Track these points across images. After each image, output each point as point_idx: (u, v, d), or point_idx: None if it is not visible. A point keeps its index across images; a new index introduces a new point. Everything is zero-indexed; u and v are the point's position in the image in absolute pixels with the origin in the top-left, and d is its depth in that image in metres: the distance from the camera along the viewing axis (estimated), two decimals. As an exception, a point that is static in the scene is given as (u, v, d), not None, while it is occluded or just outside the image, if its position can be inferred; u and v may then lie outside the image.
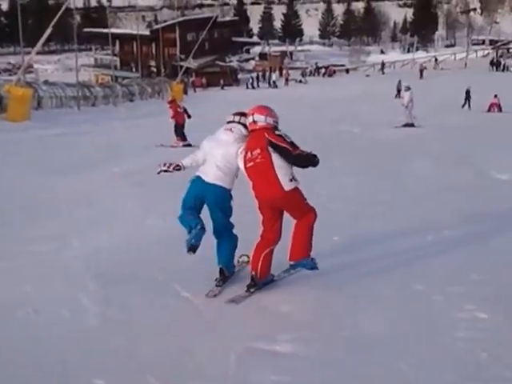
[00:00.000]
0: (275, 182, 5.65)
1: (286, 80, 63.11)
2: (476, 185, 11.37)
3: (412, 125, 23.27)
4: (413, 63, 71.83)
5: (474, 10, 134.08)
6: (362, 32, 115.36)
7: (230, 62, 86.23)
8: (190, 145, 19.25)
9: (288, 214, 5.90)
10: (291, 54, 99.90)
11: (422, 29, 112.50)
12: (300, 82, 63.60)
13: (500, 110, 30.02)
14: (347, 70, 79.92)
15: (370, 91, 43.30)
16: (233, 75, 71.84)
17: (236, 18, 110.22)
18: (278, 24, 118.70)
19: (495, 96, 30.54)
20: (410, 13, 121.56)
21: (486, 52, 76.30)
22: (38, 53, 38.53)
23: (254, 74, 65.26)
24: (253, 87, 59.46)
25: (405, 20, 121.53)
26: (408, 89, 24.38)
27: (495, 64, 60.67)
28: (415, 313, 5.33)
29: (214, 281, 6.11)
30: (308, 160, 5.78)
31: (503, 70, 58.24)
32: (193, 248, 5.87)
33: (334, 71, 74.71)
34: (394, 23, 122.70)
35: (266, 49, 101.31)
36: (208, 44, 78.89)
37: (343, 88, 48.94)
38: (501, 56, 63.36)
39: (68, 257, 7.29)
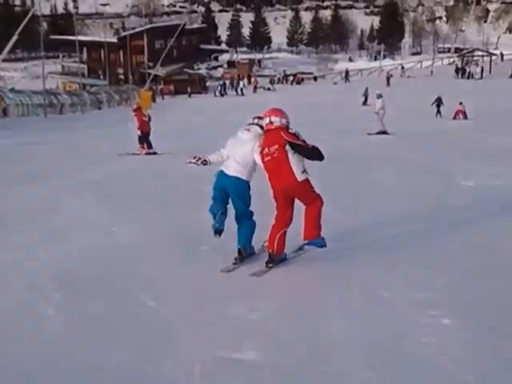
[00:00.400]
0: (290, 174, 6.56)
1: (255, 88, 63.18)
2: (442, 192, 11.47)
3: (385, 132, 23.43)
4: (380, 71, 72.44)
5: (440, 18, 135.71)
6: (330, 40, 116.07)
7: (199, 69, 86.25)
8: (155, 153, 19.21)
9: (299, 201, 6.82)
10: (259, 61, 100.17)
11: (388, 37, 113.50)
12: (268, 89, 63.70)
13: (465, 117, 30.38)
14: (315, 78, 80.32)
15: (337, 98, 43.59)
16: (201, 83, 71.78)
17: (204, 25, 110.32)
18: (246, 31, 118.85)
19: (460, 103, 30.90)
20: (376, 21, 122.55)
21: (452, 60, 77.18)
22: (4, 60, 38.21)
23: (222, 82, 65.14)
24: (221, 95, 59.42)
25: (372, 28, 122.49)
26: (380, 96, 24.54)
27: (460, 71, 61.38)
28: (380, 319, 5.37)
29: (233, 259, 6.91)
30: (316, 153, 6.77)
31: (468, 78, 58.94)
32: (218, 231, 6.88)
33: (302, 79, 75.05)
34: (361, 31, 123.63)
35: (235, 56, 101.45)
36: (176, 51, 78.87)
37: (311, 95, 49.21)
38: (466, 64, 64.06)
39: (32, 267, 7.19)
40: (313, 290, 6.20)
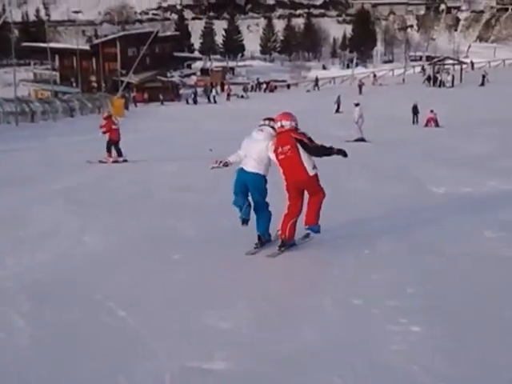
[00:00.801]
0: (302, 169, 7.52)
1: (228, 95, 63.20)
2: (414, 198, 11.55)
3: (363, 139, 23.55)
4: (352, 79, 72.82)
5: (411, 26, 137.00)
6: (303, 48, 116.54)
7: (172, 77, 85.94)
8: (125, 160, 19.12)
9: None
10: (233, 69, 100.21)
11: (360, 45, 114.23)
12: (242, 97, 63.74)
13: (437, 124, 30.69)
14: (288, 86, 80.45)
15: (310, 106, 43.74)
16: (174, 90, 71.55)
17: (177, 33, 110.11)
18: (219, 39, 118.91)
19: (431, 111, 31.20)
20: (349, 29, 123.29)
21: (423, 68, 77.83)
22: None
23: (194, 90, 64.94)
24: (194, 102, 59.25)
25: (344, 36, 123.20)
26: (357, 105, 24.71)
27: (432, 80, 61.91)
28: (352, 327, 5.37)
29: (254, 244, 7.76)
30: (322, 150, 7.62)
31: (440, 86, 59.49)
32: (245, 221, 7.82)
33: (276, 86, 75.20)
34: (334, 39, 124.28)
35: (208, 64, 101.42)
36: (149, 59, 78.60)
37: (284, 103, 49.23)
38: (437, 72, 64.58)
39: (2, 276, 7.11)
40: (285, 298, 6.19)
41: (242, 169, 7.86)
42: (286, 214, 7.75)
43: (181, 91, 73.17)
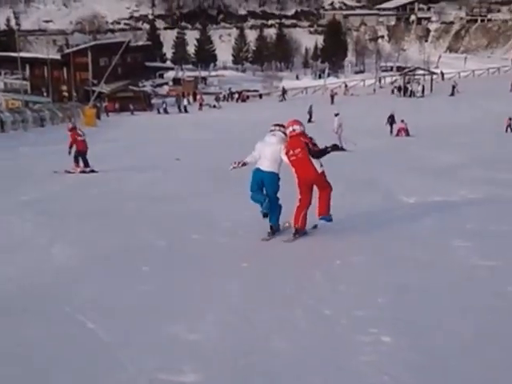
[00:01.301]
0: (312, 168, 8.75)
1: (200, 105, 63.12)
2: (384, 208, 11.59)
3: (342, 149, 23.54)
4: (324, 89, 73.17)
5: (382, 37, 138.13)
6: (275, 58, 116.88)
7: (144, 86, 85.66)
8: (93, 171, 18.97)
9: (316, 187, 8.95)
10: (205, 79, 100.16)
11: (332, 55, 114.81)
12: (214, 107, 63.75)
13: (407, 134, 30.90)
14: (260, 96, 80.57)
15: (283, 116, 43.84)
16: (146, 100, 71.34)
17: (149, 42, 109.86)
18: (191, 49, 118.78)
19: (402, 121, 31.42)
20: (320, 40, 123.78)
21: (394, 78, 78.45)
22: None
23: (167, 99, 64.77)
24: (166, 112, 59.05)
25: (316, 47, 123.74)
26: (337, 114, 24.68)
27: (402, 90, 62.46)
28: (322, 338, 5.36)
29: (267, 233, 9.05)
30: (321, 154, 8.85)
31: (410, 96, 60.04)
32: (266, 215, 9.05)
33: (248, 96, 75.26)
34: (306, 49, 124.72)
35: (180, 74, 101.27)
36: (121, 69, 78.26)
37: (256, 113, 49.41)
38: (408, 82, 65.17)
39: (-34, 289, 7.00)
40: (255, 309, 6.16)
41: (258, 168, 8.95)
42: (298, 206, 8.88)
43: (153, 101, 72.93)
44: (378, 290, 6.57)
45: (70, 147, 19.47)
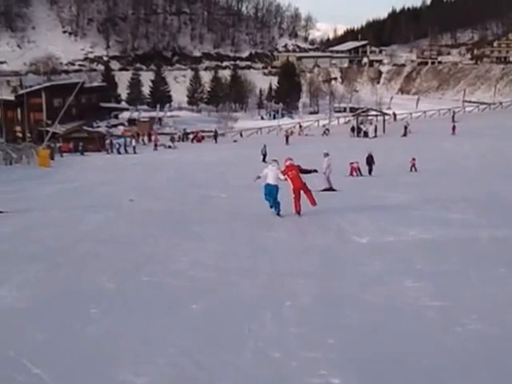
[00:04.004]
0: (300, 181, 15.63)
1: (155, 145, 62.91)
2: (337, 249, 11.65)
3: (331, 189, 23.54)
4: (278, 129, 73.79)
5: (335, 79, 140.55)
6: (230, 98, 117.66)
7: (98, 127, 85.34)
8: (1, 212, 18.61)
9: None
10: (160, 119, 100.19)
11: (286, 96, 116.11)
12: (169, 147, 63.52)
13: (360, 173, 31.15)
14: (215, 136, 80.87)
15: (237, 156, 44.04)
16: (101, 140, 70.96)
17: (104, 83, 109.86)
18: (146, 90, 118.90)
19: (354, 163, 31.49)
20: (274, 81, 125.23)
21: (348, 119, 79.58)
22: None
23: (120, 140, 64.29)
24: (118, 153, 58.55)
25: (270, 87, 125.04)
26: (326, 155, 24.59)
27: (356, 130, 63.30)
28: (271, 381, 5.31)
29: (278, 215, 15.42)
30: (306, 173, 16.29)
31: (364, 136, 60.82)
32: (279, 213, 15.54)
33: (203, 137, 75.40)
34: (260, 90, 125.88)
35: (135, 114, 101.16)
36: (75, 109, 78.09)
37: (211, 153, 49.54)
38: (361, 123, 66.15)
39: None
40: (203, 352, 6.08)
41: (268, 183, 15.58)
42: (294, 199, 15.73)
43: (107, 141, 72.57)
44: (328, 330, 6.56)
45: None
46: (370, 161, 31.93)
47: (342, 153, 34.29)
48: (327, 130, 69.97)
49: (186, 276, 9.16)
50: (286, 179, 15.58)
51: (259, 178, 16.02)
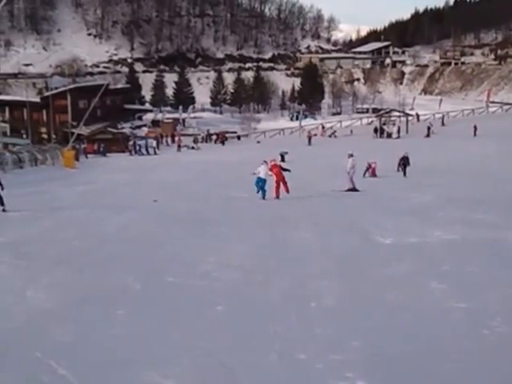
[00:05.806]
0: (281, 175, 21.80)
1: (179, 146, 63.10)
2: (361, 250, 11.65)
3: (354, 189, 23.55)
4: (301, 130, 73.65)
5: (358, 80, 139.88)
6: (252, 100, 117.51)
7: (122, 128, 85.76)
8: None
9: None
10: (183, 120, 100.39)
11: (309, 97, 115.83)
12: (192, 148, 63.72)
13: (375, 174, 30.54)
14: (239, 137, 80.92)
15: (260, 157, 44.02)
16: (125, 142, 71.31)
17: (128, 85, 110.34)
18: (170, 91, 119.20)
19: (373, 162, 31.13)
20: (297, 82, 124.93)
21: (370, 120, 79.17)
22: None
23: (142, 142, 64.34)
24: (141, 153, 58.72)
25: (293, 89, 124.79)
26: (351, 156, 24.55)
27: (378, 131, 62.99)
28: (295, 383, 5.33)
29: (263, 199, 20.79)
30: (285, 171, 22.38)
31: (387, 137, 60.52)
32: (264, 198, 21.22)
33: (226, 138, 75.52)
34: (283, 92, 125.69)
35: (159, 115, 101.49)
36: (100, 111, 78.44)
37: (234, 154, 49.59)
38: (384, 124, 65.80)
39: None
40: (230, 354, 6.13)
41: (259, 177, 21.21)
42: (275, 188, 21.16)
43: (130, 142, 72.92)
44: (353, 332, 6.58)
45: None
46: (405, 162, 31.60)
47: (365, 154, 34.11)
48: (334, 132, 69.70)
49: (210, 277, 9.22)
50: (271, 174, 21.43)
51: (254, 174, 21.50)
